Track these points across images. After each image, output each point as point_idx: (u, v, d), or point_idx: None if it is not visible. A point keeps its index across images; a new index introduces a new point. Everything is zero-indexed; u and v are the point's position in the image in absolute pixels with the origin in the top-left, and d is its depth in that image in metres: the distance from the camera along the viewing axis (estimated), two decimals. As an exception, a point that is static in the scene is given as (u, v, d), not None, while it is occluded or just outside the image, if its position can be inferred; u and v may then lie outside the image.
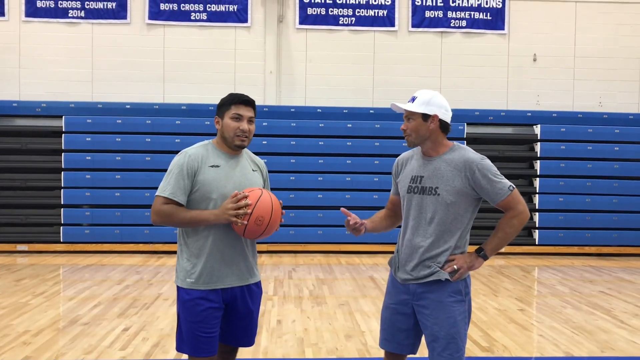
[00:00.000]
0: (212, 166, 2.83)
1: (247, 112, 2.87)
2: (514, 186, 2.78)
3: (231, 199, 2.73)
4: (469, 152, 2.80)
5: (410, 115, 2.81)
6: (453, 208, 2.77)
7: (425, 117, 2.78)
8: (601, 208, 10.31)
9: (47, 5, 10.57)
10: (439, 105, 2.81)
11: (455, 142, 2.88)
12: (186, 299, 2.80)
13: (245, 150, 3.01)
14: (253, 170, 2.97)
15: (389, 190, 11.66)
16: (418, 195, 2.83)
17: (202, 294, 2.79)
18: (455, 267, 2.75)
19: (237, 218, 2.71)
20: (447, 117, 2.83)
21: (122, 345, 4.81)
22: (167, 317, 5.66)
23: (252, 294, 2.94)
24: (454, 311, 2.75)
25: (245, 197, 2.72)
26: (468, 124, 10.40)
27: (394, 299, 2.90)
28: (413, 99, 2.83)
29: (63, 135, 9.92)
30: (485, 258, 2.80)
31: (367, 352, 4.74)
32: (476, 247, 2.84)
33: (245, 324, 2.95)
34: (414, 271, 2.81)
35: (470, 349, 4.78)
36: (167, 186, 2.78)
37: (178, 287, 2.87)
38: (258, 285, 3.00)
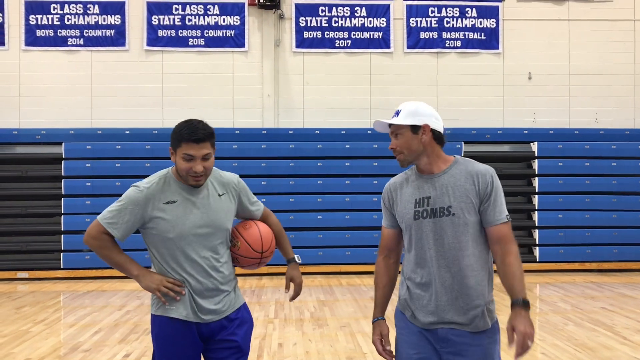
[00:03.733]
0: (167, 202, 2.60)
1: (199, 151, 2.54)
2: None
3: (169, 280, 2.60)
4: (478, 164, 2.51)
5: (398, 130, 2.50)
6: (473, 228, 2.44)
7: (415, 129, 2.47)
8: (601, 224, 10.32)
9: (47, 34, 10.70)
10: (428, 114, 2.49)
11: (457, 156, 2.57)
12: (160, 334, 2.63)
13: (212, 171, 2.74)
14: (219, 195, 2.70)
15: (388, 210, 11.05)
16: (429, 219, 2.45)
17: (174, 329, 2.60)
18: (529, 342, 2.32)
19: (162, 295, 2.59)
20: (438, 125, 2.51)
21: (123, 371, 4.80)
22: (168, 342, 5.64)
23: (234, 323, 2.70)
24: (493, 353, 2.46)
25: (180, 286, 2.60)
26: (465, 142, 10.47)
27: (417, 348, 2.47)
28: (397, 113, 2.52)
29: (63, 161, 9.97)
30: (528, 304, 2.42)
31: (369, 373, 4.73)
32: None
33: (232, 357, 2.68)
34: (444, 313, 2.43)
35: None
36: (108, 214, 2.59)
37: (152, 315, 2.68)
38: (239, 311, 2.75)
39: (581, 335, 5.85)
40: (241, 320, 2.73)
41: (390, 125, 2.53)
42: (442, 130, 2.52)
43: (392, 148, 2.55)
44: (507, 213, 2.47)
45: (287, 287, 2.93)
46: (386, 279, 2.65)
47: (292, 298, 2.95)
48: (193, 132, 2.53)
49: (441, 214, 2.43)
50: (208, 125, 2.62)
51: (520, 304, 2.38)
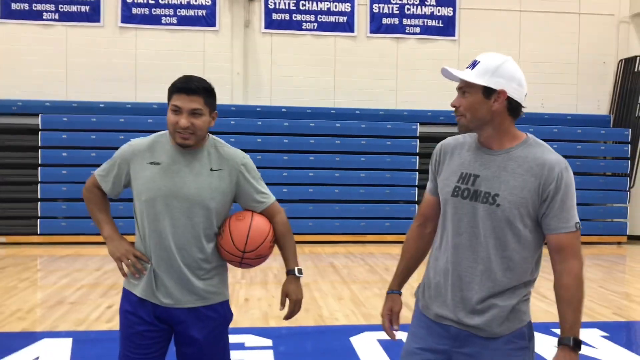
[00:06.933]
0: (151, 163, 2.39)
1: (188, 103, 2.30)
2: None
3: (136, 254, 2.42)
4: (551, 153, 2.01)
5: (467, 87, 2.02)
6: (518, 229, 1.98)
7: (488, 92, 1.98)
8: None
9: (22, 8, 11.00)
10: (510, 76, 1.99)
11: (529, 134, 2.08)
12: (120, 309, 2.51)
13: (214, 143, 2.46)
14: (212, 170, 2.40)
15: (350, 185, 12.47)
16: (468, 201, 2.03)
17: (131, 306, 2.43)
18: None
19: (122, 267, 2.45)
20: (519, 94, 2.00)
21: (108, 318, 5.47)
22: (145, 297, 6.33)
23: (200, 318, 2.41)
24: None
25: (147, 262, 2.41)
26: (421, 123, 11.28)
27: (423, 343, 2.14)
28: (474, 65, 2.03)
29: (40, 132, 10.41)
30: (580, 346, 1.95)
31: (322, 321, 5.53)
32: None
33: (192, 354, 2.44)
34: (459, 311, 2.06)
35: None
36: (102, 167, 2.54)
37: (123, 287, 2.54)
38: (215, 307, 2.44)
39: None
40: (210, 317, 2.43)
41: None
42: (522, 101, 2.02)
43: (453, 106, 2.07)
44: (577, 220, 1.98)
45: (282, 304, 2.52)
46: (414, 249, 2.29)
47: (287, 317, 2.55)
48: (185, 82, 2.33)
49: (484, 200, 1.99)
50: (207, 82, 2.40)
51: (569, 346, 1.93)
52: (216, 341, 2.46)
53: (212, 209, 2.38)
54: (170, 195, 2.35)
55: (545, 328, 5.41)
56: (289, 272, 2.54)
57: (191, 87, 2.31)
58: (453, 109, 2.09)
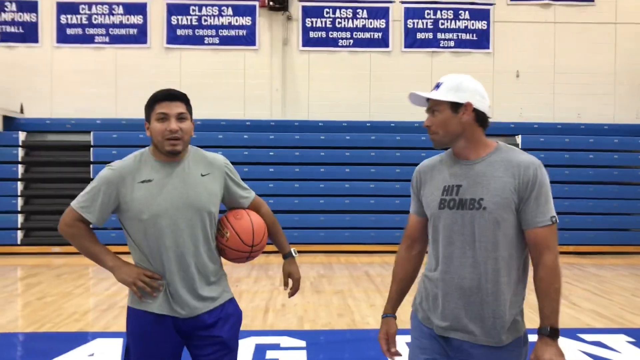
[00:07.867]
0: (142, 181, 2.40)
1: (174, 109, 2.40)
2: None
3: (147, 274, 2.40)
4: (523, 154, 2.18)
5: (435, 106, 2.19)
6: (508, 227, 2.13)
7: (455, 107, 2.15)
8: (579, 210, 11.29)
9: (76, 33, 11.77)
10: (472, 90, 2.17)
11: (499, 142, 2.26)
12: (135, 330, 2.45)
13: (195, 150, 2.55)
14: (202, 175, 2.49)
15: (385, 196, 12.76)
16: (455, 210, 2.17)
17: (149, 324, 2.41)
18: None
19: (138, 289, 2.39)
20: (483, 105, 2.18)
21: (155, 321, 5.90)
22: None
23: (217, 321, 2.50)
24: None
25: (159, 280, 2.41)
26: (455, 135, 11.45)
27: (430, 353, 2.25)
28: (437, 86, 2.21)
29: (92, 148, 11.08)
30: (557, 332, 2.10)
31: (354, 325, 5.81)
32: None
33: (216, 354, 2.48)
34: (460, 319, 2.18)
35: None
36: (81, 198, 2.43)
37: (128, 307, 2.49)
38: (225, 306, 2.53)
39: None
40: (227, 315, 2.52)
41: (428, 99, 2.23)
42: (487, 111, 2.20)
43: (426, 126, 2.23)
44: (552, 214, 2.13)
45: (286, 284, 2.75)
46: (404, 271, 2.42)
47: (292, 294, 2.76)
48: (165, 91, 2.46)
49: (470, 206, 2.14)
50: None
51: (547, 333, 2.08)
52: (234, 337, 2.55)
53: (213, 212, 2.49)
54: (172, 207, 2.39)
55: (572, 333, 5.57)
56: (287, 255, 2.76)
57: (173, 94, 2.44)
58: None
